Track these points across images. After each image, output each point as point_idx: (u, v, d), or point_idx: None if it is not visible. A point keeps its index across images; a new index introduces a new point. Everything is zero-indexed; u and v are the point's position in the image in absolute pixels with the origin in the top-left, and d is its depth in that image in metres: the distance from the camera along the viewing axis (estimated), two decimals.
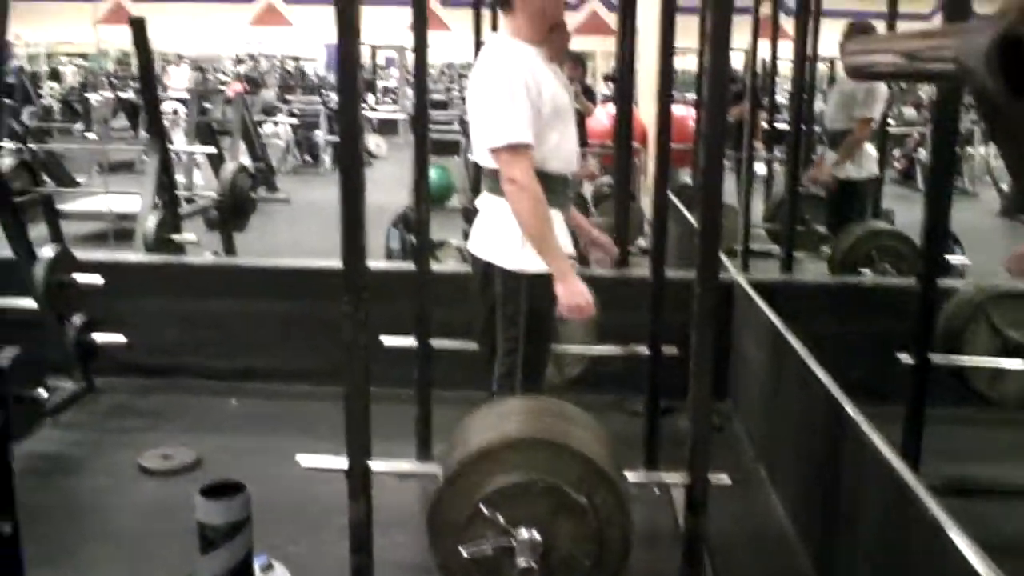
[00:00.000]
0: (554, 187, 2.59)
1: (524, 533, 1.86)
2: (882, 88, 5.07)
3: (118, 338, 3.92)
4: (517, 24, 2.58)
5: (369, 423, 2.20)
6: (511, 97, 2.45)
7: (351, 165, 2.08)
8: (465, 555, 1.81)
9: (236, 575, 1.89)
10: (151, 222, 4.85)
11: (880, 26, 5.08)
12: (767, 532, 2.99)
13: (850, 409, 2.50)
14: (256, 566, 2.16)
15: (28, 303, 3.66)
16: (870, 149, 5.26)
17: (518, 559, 1.81)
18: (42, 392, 3.51)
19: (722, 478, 2.11)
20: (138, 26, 4.62)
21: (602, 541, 1.96)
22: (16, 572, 1.81)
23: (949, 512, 1.91)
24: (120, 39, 17.42)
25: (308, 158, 12.86)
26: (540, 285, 2.53)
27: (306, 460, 2.36)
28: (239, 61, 21.20)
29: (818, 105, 7.02)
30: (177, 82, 15.29)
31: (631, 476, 2.13)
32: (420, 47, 3.03)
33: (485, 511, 1.82)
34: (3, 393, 1.37)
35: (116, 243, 5.30)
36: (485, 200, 2.68)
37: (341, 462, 2.19)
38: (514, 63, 2.51)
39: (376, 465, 2.20)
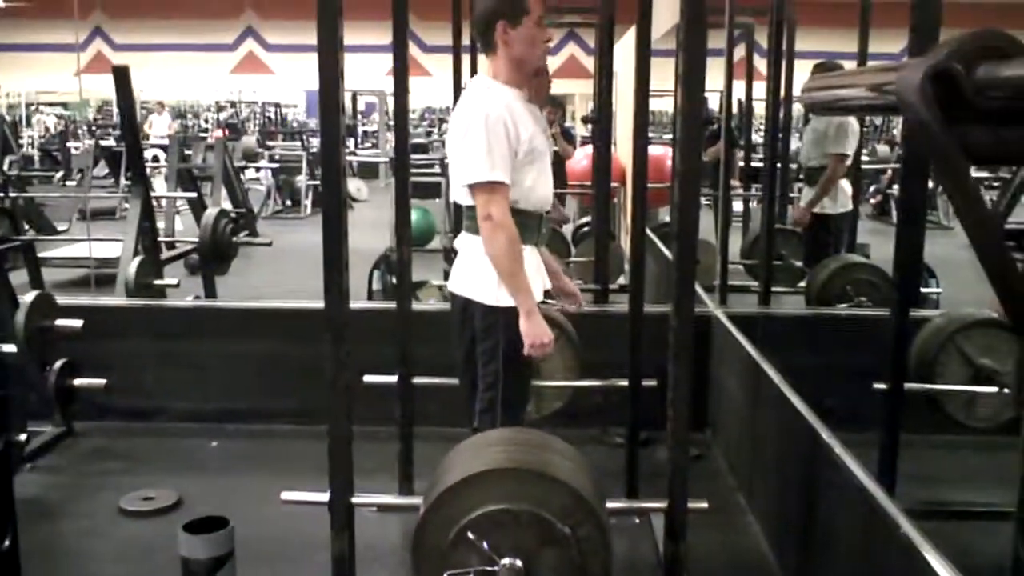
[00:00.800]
0: (528, 224, 2.64)
1: (507, 560, 1.88)
2: (853, 125, 5.17)
3: (98, 382, 3.91)
4: (498, 67, 2.64)
5: (351, 457, 2.22)
6: (489, 137, 2.50)
7: (333, 208, 2.13)
8: None
9: None
10: (133, 267, 4.87)
11: (851, 66, 5.20)
12: (746, 558, 3.01)
13: (826, 436, 2.54)
14: None
15: (9, 348, 3.66)
16: (844, 184, 5.35)
17: None
18: (21, 437, 3.51)
19: (701, 504, 2.13)
20: (121, 74, 4.68)
21: (583, 572, 1.98)
22: None
23: (924, 534, 1.94)
24: (101, 88, 17.50)
25: (289, 202, 12.92)
26: (518, 319, 2.57)
27: (289, 495, 2.37)
28: (220, 108, 21.34)
29: (793, 143, 7.14)
30: (159, 130, 15.36)
31: (612, 504, 2.15)
32: (400, 92, 3.10)
33: (471, 536, 1.83)
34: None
35: (98, 288, 5.31)
36: (464, 240, 2.72)
37: (323, 496, 2.21)
38: (493, 104, 2.56)
39: (358, 499, 2.21)
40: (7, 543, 0.67)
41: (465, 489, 1.90)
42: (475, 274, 2.64)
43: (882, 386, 2.94)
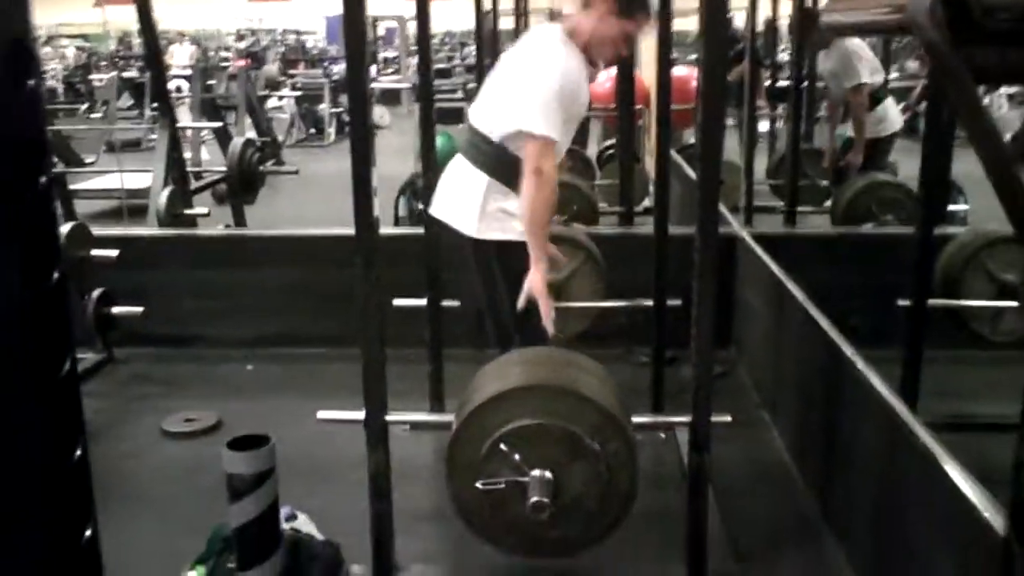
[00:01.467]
0: None
1: (538, 472, 1.95)
2: (859, 51, 5.11)
3: (135, 310, 4.01)
4: (579, 28, 2.66)
5: (385, 377, 2.30)
6: (555, 95, 2.54)
7: (361, 135, 2.16)
8: (480, 487, 1.90)
9: (264, 521, 1.99)
10: (163, 197, 4.94)
11: None
12: (770, 471, 3.09)
13: (848, 351, 2.58)
14: (280, 516, 2.25)
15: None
16: (890, 104, 5.31)
17: (530, 495, 1.91)
18: None
19: (724, 418, 2.19)
20: (143, 5, 4.68)
21: (610, 486, 2.05)
22: None
23: (943, 445, 1.99)
24: (121, 19, 17.41)
25: (312, 130, 12.92)
26: (504, 248, 2.64)
27: (325, 414, 2.46)
28: (240, 37, 21.18)
29: (819, 62, 7.05)
30: (180, 59, 15.32)
31: (638, 419, 2.21)
32: (423, 19, 3.10)
33: (503, 448, 1.91)
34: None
35: (130, 219, 5.39)
36: (461, 167, 2.75)
37: (359, 415, 2.29)
38: (566, 66, 2.60)
39: (392, 416, 2.29)
40: (79, 452, 0.73)
41: (499, 404, 1.97)
42: (465, 206, 2.71)
43: (906, 303, 2.98)
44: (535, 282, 2.62)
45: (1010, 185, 0.74)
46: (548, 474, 1.98)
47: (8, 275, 0.73)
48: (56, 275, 0.78)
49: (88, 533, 0.80)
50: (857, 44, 5.07)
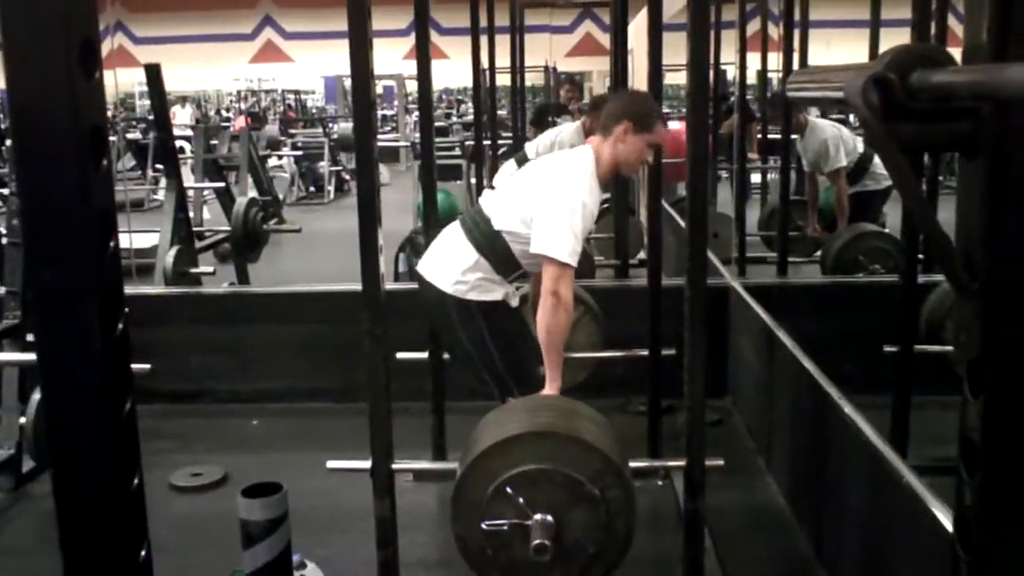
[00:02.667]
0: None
1: (540, 516, 2.04)
2: (834, 141, 5.25)
3: (143, 367, 4.10)
4: (603, 151, 2.82)
5: (391, 426, 2.38)
6: (580, 221, 2.68)
7: (367, 194, 2.28)
8: (484, 527, 1.98)
9: (277, 566, 2.07)
10: (170, 256, 5.06)
11: (864, 35, 5.27)
12: (766, 515, 3.17)
13: (838, 398, 2.68)
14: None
15: None
16: (879, 162, 5.44)
17: (533, 537, 1.99)
18: None
19: (718, 461, 2.28)
20: (153, 71, 4.85)
21: (608, 532, 2.13)
22: None
23: (932, 489, 2.08)
24: (123, 81, 17.68)
25: (312, 188, 13.10)
26: (490, 309, 2.77)
27: (333, 464, 2.54)
28: (242, 98, 21.52)
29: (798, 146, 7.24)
30: (182, 120, 15.58)
31: (635, 464, 2.30)
32: (424, 79, 3.24)
33: (508, 491, 1.99)
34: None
35: (138, 278, 5.51)
36: (456, 237, 2.89)
37: (365, 464, 2.38)
38: (591, 190, 2.76)
39: (398, 465, 2.38)
40: (136, 481, 0.83)
41: (505, 448, 2.06)
42: (449, 269, 2.83)
43: (893, 349, 3.08)
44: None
45: (934, 236, 0.85)
46: (550, 518, 2.06)
47: (89, 326, 0.84)
48: (121, 326, 0.89)
49: (143, 554, 0.90)
50: (832, 132, 5.22)
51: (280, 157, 13.11)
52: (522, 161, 4.52)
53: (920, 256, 3.17)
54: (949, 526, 1.92)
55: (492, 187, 4.26)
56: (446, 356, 3.41)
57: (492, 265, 2.79)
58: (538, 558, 2.01)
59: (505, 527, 1.99)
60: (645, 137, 2.81)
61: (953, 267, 0.86)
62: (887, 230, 5.13)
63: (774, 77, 6.55)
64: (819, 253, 5.11)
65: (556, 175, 2.80)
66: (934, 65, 0.80)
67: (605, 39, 14.65)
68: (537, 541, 1.97)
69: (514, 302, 2.87)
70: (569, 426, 2.18)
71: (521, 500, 2.00)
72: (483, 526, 1.99)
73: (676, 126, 7.32)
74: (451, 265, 2.82)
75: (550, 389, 2.70)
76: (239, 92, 21.72)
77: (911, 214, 3.05)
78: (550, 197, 2.73)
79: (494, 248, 2.79)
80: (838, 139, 5.20)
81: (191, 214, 7.73)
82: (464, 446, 2.28)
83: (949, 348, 3.34)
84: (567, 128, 5.38)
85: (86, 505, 0.86)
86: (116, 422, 0.86)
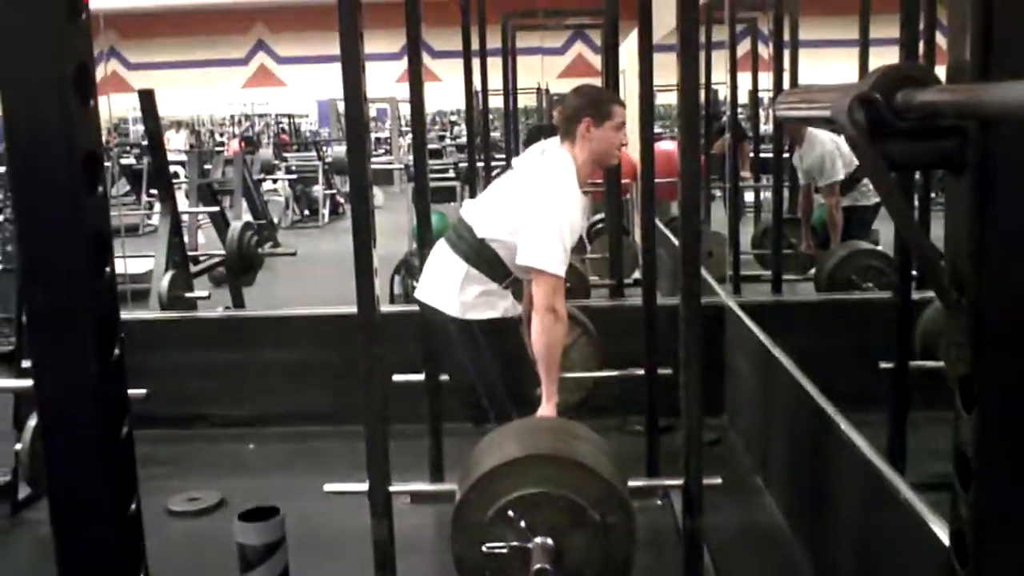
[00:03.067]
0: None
1: (540, 539, 2.03)
2: (833, 155, 5.27)
3: (139, 392, 4.08)
4: (576, 154, 2.84)
5: (388, 448, 2.38)
6: (566, 231, 2.72)
7: (362, 217, 2.28)
8: (485, 550, 1.98)
9: None
10: (165, 281, 5.06)
11: (853, 53, 5.32)
12: (764, 532, 3.17)
13: (834, 415, 2.68)
14: None
15: None
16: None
17: (534, 561, 1.98)
18: None
19: (715, 480, 2.28)
20: (147, 97, 4.87)
21: (608, 558, 2.12)
22: None
23: (930, 505, 2.08)
24: (116, 106, 17.72)
25: (307, 212, 13.13)
26: (488, 327, 2.77)
27: (331, 487, 2.53)
28: (236, 122, 21.58)
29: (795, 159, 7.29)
30: (176, 145, 15.61)
31: (633, 483, 2.29)
32: (417, 102, 3.26)
33: (510, 514, 1.99)
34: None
35: (133, 303, 5.50)
36: (444, 254, 2.89)
37: (363, 486, 2.37)
38: (572, 199, 2.79)
39: (395, 487, 2.37)
40: (133, 507, 0.83)
41: (508, 470, 2.06)
42: (445, 288, 2.85)
43: (889, 365, 3.08)
44: (545, 412, 2.74)
45: (921, 251, 0.86)
46: (551, 541, 2.05)
47: (84, 351, 0.84)
48: (117, 351, 0.90)
49: None
50: (830, 146, 5.24)
51: (275, 181, 13.14)
52: None
53: (914, 273, 3.18)
54: (948, 542, 1.93)
55: None
56: (443, 378, 3.41)
57: (484, 272, 2.81)
58: None
59: (506, 550, 1.98)
60: (608, 125, 2.85)
61: (942, 284, 0.87)
62: (879, 247, 5.15)
63: (765, 96, 6.61)
64: (813, 271, 5.13)
65: (540, 185, 2.81)
66: (918, 84, 0.81)
67: (596, 60, 14.73)
68: (539, 565, 1.96)
69: (513, 312, 2.87)
70: (572, 450, 2.17)
71: (523, 523, 2.00)
72: (484, 548, 1.98)
73: (668, 146, 7.36)
74: (447, 284, 2.83)
75: (547, 406, 2.70)
76: (233, 116, 21.77)
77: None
78: (536, 208, 2.74)
79: (482, 256, 2.81)
80: (835, 153, 5.22)
81: (186, 238, 7.76)
82: (463, 467, 2.28)
83: (943, 364, 3.35)
84: (553, 143, 5.40)
85: (83, 531, 0.86)
86: (113, 447, 0.86)
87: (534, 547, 2.04)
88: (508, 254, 2.78)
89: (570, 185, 2.79)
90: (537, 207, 2.74)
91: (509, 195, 2.86)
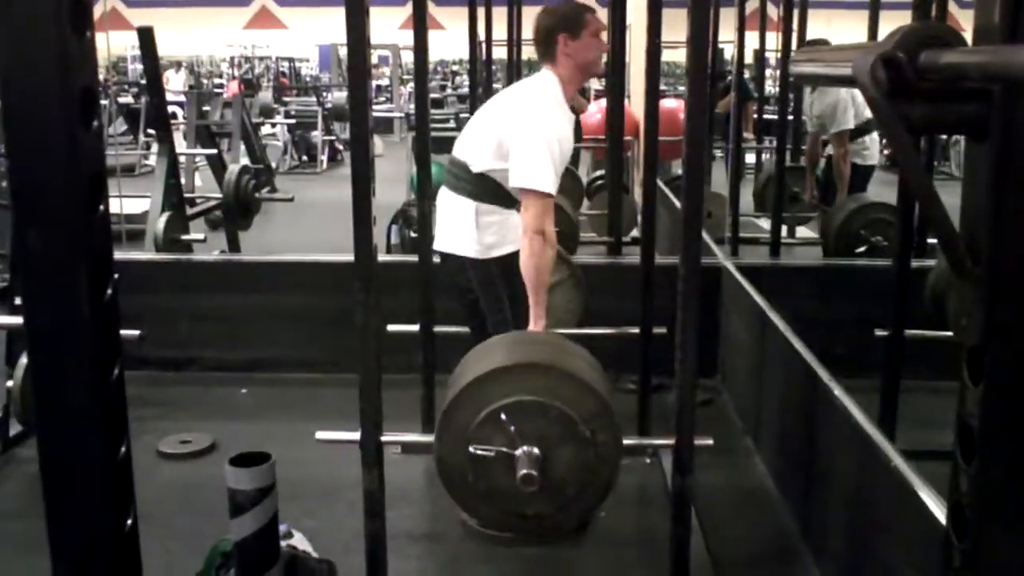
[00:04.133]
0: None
1: (528, 447, 2.03)
2: (844, 98, 5.22)
3: (132, 333, 4.08)
4: (559, 73, 2.79)
5: (380, 399, 2.37)
6: (553, 150, 2.68)
7: (362, 165, 2.25)
8: (472, 451, 1.99)
9: (264, 536, 2.06)
10: (161, 223, 5.02)
11: (863, 16, 5.25)
12: (753, 495, 3.18)
13: (827, 380, 2.68)
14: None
15: None
16: (872, 139, 5.43)
17: (520, 467, 1.99)
18: None
19: (707, 440, 2.27)
20: (146, 34, 4.79)
21: (591, 475, 2.12)
22: None
23: (920, 473, 2.08)
24: (115, 44, 17.51)
25: (305, 158, 13.04)
26: (509, 266, 2.75)
27: (322, 435, 2.53)
28: (235, 64, 21.35)
29: (805, 97, 7.23)
30: (175, 85, 15.45)
31: (625, 441, 2.29)
32: (420, 49, 3.21)
33: (503, 417, 1.98)
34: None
35: (128, 244, 5.47)
36: (449, 198, 2.87)
37: (355, 435, 2.37)
38: (555, 115, 2.75)
39: (387, 437, 2.37)
40: (123, 449, 0.82)
41: (503, 375, 2.05)
42: (462, 232, 2.82)
43: (884, 332, 3.08)
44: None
45: (938, 219, 0.84)
46: (537, 450, 2.05)
47: (77, 290, 0.83)
48: (110, 291, 0.88)
49: (129, 523, 0.89)
50: (843, 94, 5.19)
51: (273, 125, 13.03)
52: None
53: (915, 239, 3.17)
54: (936, 510, 1.94)
55: None
56: (438, 329, 3.40)
57: (492, 203, 2.79)
58: (525, 488, 2.00)
59: (492, 453, 1.99)
60: (585, 34, 2.82)
61: (956, 252, 0.85)
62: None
63: (772, 57, 6.54)
64: (816, 223, 5.10)
65: (522, 105, 2.78)
66: (944, 45, 0.79)
67: (602, 14, 14.57)
68: (524, 471, 1.97)
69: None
70: (569, 363, 2.17)
71: (512, 429, 2.00)
72: (471, 450, 1.99)
73: (672, 104, 7.30)
74: (462, 227, 2.81)
75: (536, 327, 2.69)
76: (232, 58, 21.53)
77: (908, 197, 3.05)
78: (521, 129, 2.72)
79: (485, 189, 2.79)
80: (848, 101, 5.19)
81: (183, 180, 7.70)
82: (451, 378, 2.26)
83: (940, 333, 3.34)
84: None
85: (72, 472, 0.85)
86: (104, 388, 0.84)
87: (521, 454, 2.04)
88: (507, 180, 2.76)
89: (555, 103, 2.76)
90: (523, 127, 2.71)
91: (495, 122, 2.82)
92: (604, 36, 2.91)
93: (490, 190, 2.79)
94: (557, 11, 2.95)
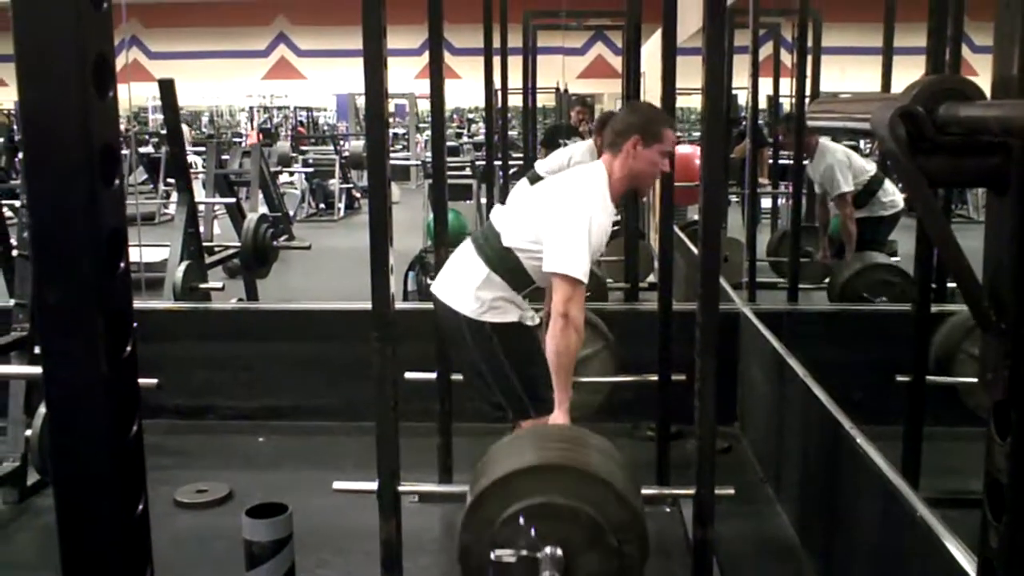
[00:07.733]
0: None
1: (550, 549, 1.98)
2: (841, 159, 5.21)
3: (150, 381, 4.08)
4: (615, 168, 2.80)
5: (398, 448, 2.37)
6: (591, 237, 2.65)
7: (379, 214, 2.27)
8: (493, 557, 1.93)
9: None
10: (180, 271, 5.05)
11: (876, 62, 5.27)
12: (774, 544, 3.13)
13: (849, 427, 2.65)
14: None
15: None
16: (889, 186, 5.41)
17: (543, 571, 1.94)
18: None
19: (728, 490, 2.25)
20: (166, 86, 4.86)
21: None
22: None
23: (944, 522, 2.04)
24: (136, 95, 17.79)
25: (323, 205, 13.14)
26: (504, 329, 2.74)
27: (340, 484, 2.52)
28: (254, 115, 21.63)
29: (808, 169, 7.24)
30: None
31: (644, 491, 2.26)
32: (437, 97, 3.24)
33: (523, 521, 1.94)
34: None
35: (148, 292, 5.51)
36: (468, 257, 2.85)
37: (372, 485, 2.36)
38: (602, 207, 2.74)
39: (404, 487, 2.36)
40: (141, 507, 0.82)
41: (531, 475, 2.00)
42: (466, 290, 2.79)
43: (905, 379, 3.04)
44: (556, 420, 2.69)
45: (960, 271, 0.83)
46: (560, 552, 2.00)
47: (96, 347, 0.83)
48: (129, 348, 0.88)
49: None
50: (839, 157, 5.18)
51: (291, 174, 13.15)
52: (534, 180, 4.50)
53: (933, 286, 3.14)
54: (963, 560, 1.90)
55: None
56: (455, 377, 3.39)
57: (504, 280, 2.77)
58: None
59: (514, 559, 1.94)
60: (656, 148, 2.78)
61: (980, 305, 0.84)
62: (898, 258, 5.11)
63: (786, 103, 6.56)
64: (827, 280, 5.08)
65: (567, 193, 2.78)
66: (963, 98, 0.79)
67: (616, 61, 14.69)
68: (547, 573, 1.92)
69: (530, 323, 2.84)
70: (600, 466, 2.10)
71: (533, 532, 1.95)
72: (493, 556, 1.94)
73: (687, 150, 7.32)
74: (465, 285, 2.80)
75: (559, 412, 2.67)
76: (252, 109, 21.82)
77: (927, 244, 3.04)
78: (562, 215, 2.70)
79: (505, 263, 2.77)
80: (844, 164, 5.17)
81: (201, 229, 7.77)
82: (473, 468, 2.23)
83: (961, 380, 3.31)
84: (579, 147, 5.38)
85: (89, 527, 0.84)
86: (122, 445, 0.84)
87: (543, 556, 2.00)
88: (531, 264, 2.75)
89: (600, 195, 2.75)
90: (565, 213, 2.70)
91: (538, 204, 2.82)
92: (668, 164, 2.90)
93: (508, 267, 2.78)
94: (644, 111, 2.95)
